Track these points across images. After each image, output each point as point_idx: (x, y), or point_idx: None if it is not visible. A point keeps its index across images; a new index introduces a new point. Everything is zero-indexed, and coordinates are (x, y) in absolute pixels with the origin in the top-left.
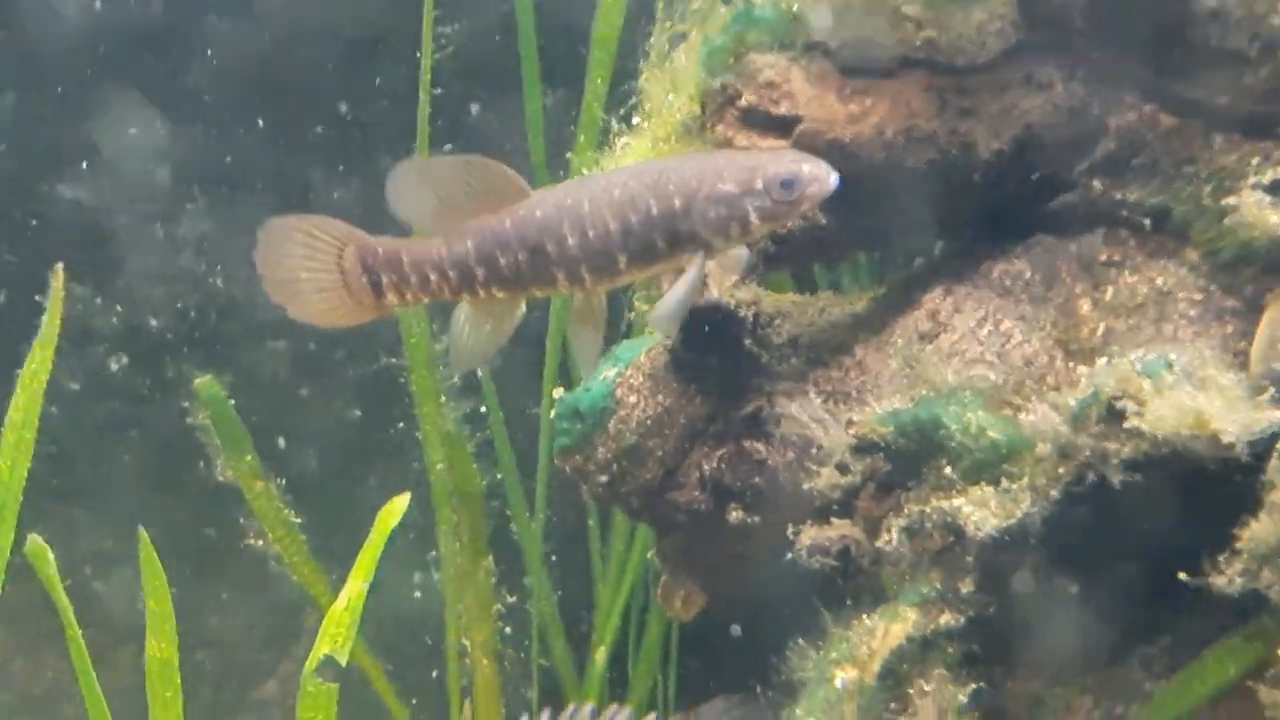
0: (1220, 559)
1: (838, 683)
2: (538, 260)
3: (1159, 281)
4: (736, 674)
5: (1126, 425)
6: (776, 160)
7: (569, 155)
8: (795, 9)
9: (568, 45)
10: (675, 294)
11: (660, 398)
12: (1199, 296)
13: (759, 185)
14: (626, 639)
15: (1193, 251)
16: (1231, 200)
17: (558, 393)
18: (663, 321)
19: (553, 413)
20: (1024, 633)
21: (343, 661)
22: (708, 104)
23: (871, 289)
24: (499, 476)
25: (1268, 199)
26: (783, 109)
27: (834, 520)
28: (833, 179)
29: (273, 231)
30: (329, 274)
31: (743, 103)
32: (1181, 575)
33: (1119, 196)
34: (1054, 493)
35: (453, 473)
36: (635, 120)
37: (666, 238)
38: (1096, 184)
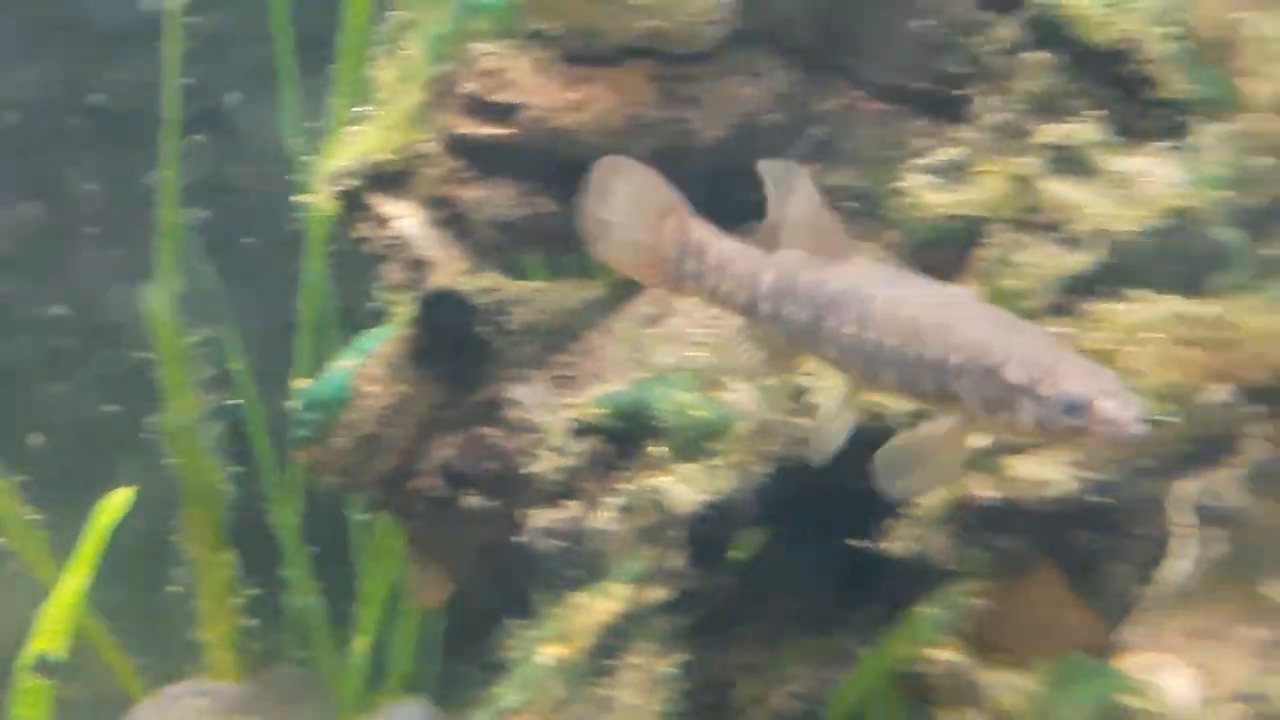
0: (894, 525)
1: (544, 660)
2: (814, 329)
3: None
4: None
5: (811, 401)
6: (1084, 375)
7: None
8: None
9: (324, 35)
10: (921, 473)
11: (398, 387)
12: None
13: (1044, 391)
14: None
15: (892, 232)
16: (902, 181)
17: (299, 384)
18: (881, 476)
19: (293, 404)
20: (739, 604)
21: (58, 658)
22: (432, 92)
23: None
24: (239, 470)
25: (930, 180)
26: (504, 97)
27: (566, 503)
28: (1134, 430)
29: (613, 167)
30: (647, 232)
31: (464, 91)
32: (851, 541)
33: (829, 181)
34: (760, 467)
35: (188, 467)
36: (364, 108)
37: (932, 386)
38: (810, 168)
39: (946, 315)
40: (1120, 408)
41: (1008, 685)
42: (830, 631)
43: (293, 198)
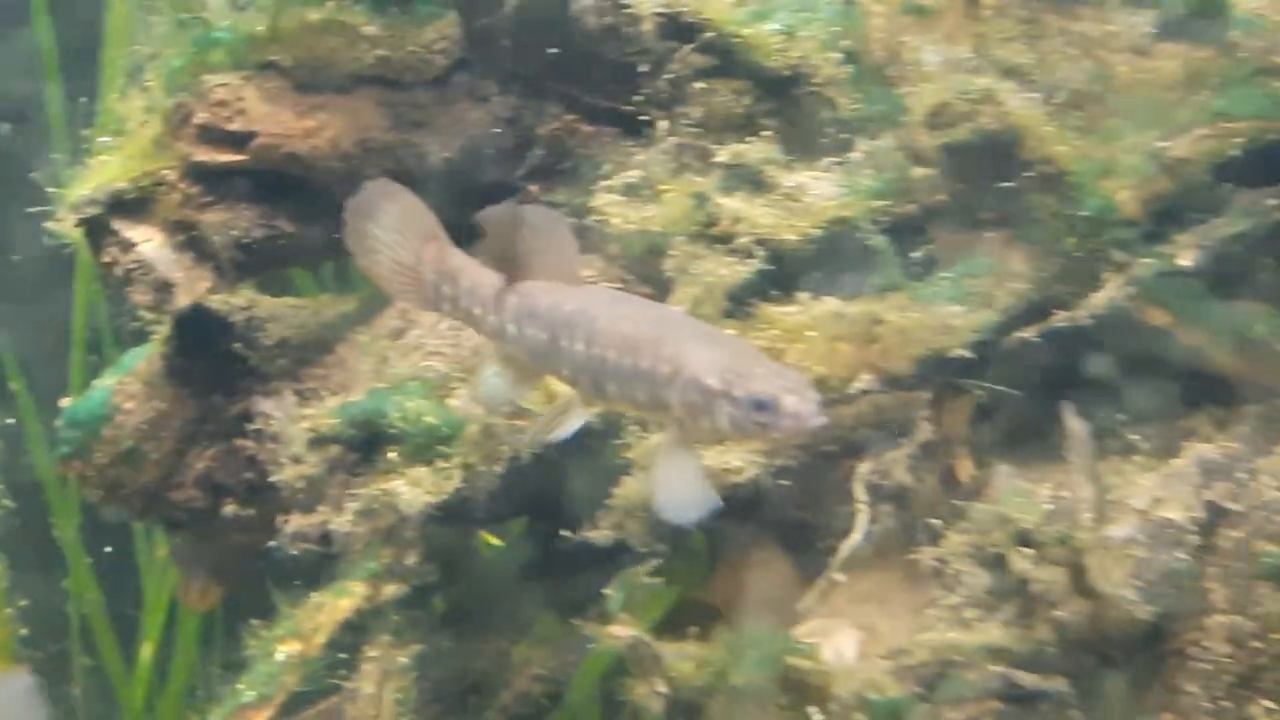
0: (599, 515)
1: (279, 656)
2: (552, 347)
3: (585, 274)
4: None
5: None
6: (771, 377)
7: None
8: (258, 29)
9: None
10: (683, 487)
11: (156, 402)
12: (619, 285)
13: (737, 393)
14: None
15: (614, 245)
16: (594, 201)
17: (65, 402)
18: (673, 516)
19: (58, 421)
20: (484, 597)
21: None
22: (168, 122)
23: (367, 290)
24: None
25: (621, 199)
26: (237, 125)
27: (319, 508)
28: (813, 422)
29: (379, 192)
30: (408, 255)
31: (198, 120)
32: (564, 533)
33: (550, 199)
34: (493, 467)
35: None
36: (105, 139)
37: (647, 395)
38: (533, 188)
39: (657, 330)
40: (801, 403)
41: (685, 655)
42: (569, 617)
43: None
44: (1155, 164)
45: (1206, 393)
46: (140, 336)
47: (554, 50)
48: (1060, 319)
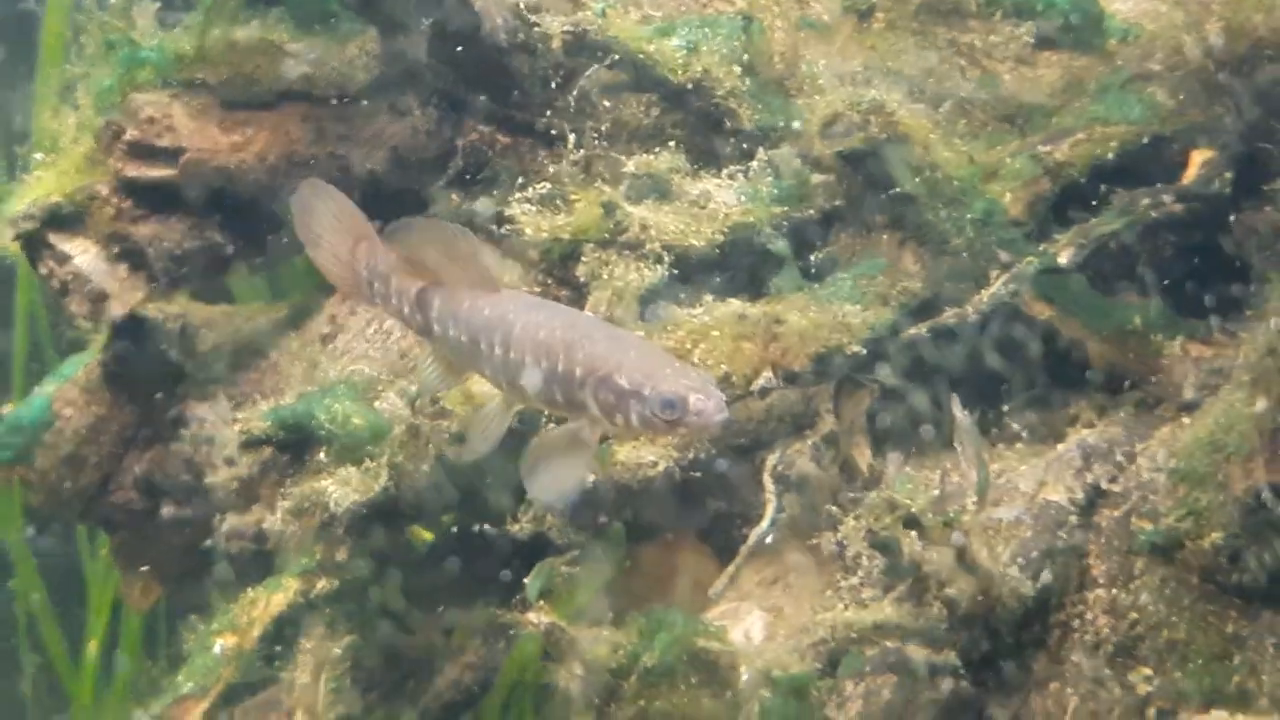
0: (519, 511)
1: (216, 649)
2: (474, 349)
3: (506, 279)
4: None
5: (445, 406)
6: (677, 377)
7: None
8: (185, 48)
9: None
10: (560, 474)
11: (95, 408)
12: (539, 289)
13: (646, 393)
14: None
15: (534, 251)
16: (508, 210)
17: (5, 409)
18: (541, 496)
19: None
20: (415, 590)
21: None
22: (100, 139)
23: (297, 298)
24: None
25: (534, 209)
26: (165, 141)
27: (253, 508)
28: (718, 418)
29: (313, 192)
30: (344, 251)
31: (128, 138)
32: (484, 527)
33: (470, 206)
34: (420, 466)
35: None
36: (40, 156)
37: (564, 395)
38: (454, 196)
39: (571, 335)
40: (705, 401)
41: (598, 639)
42: (498, 607)
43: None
44: (1038, 167)
45: (1088, 382)
46: (78, 346)
47: (469, 66)
48: (950, 315)
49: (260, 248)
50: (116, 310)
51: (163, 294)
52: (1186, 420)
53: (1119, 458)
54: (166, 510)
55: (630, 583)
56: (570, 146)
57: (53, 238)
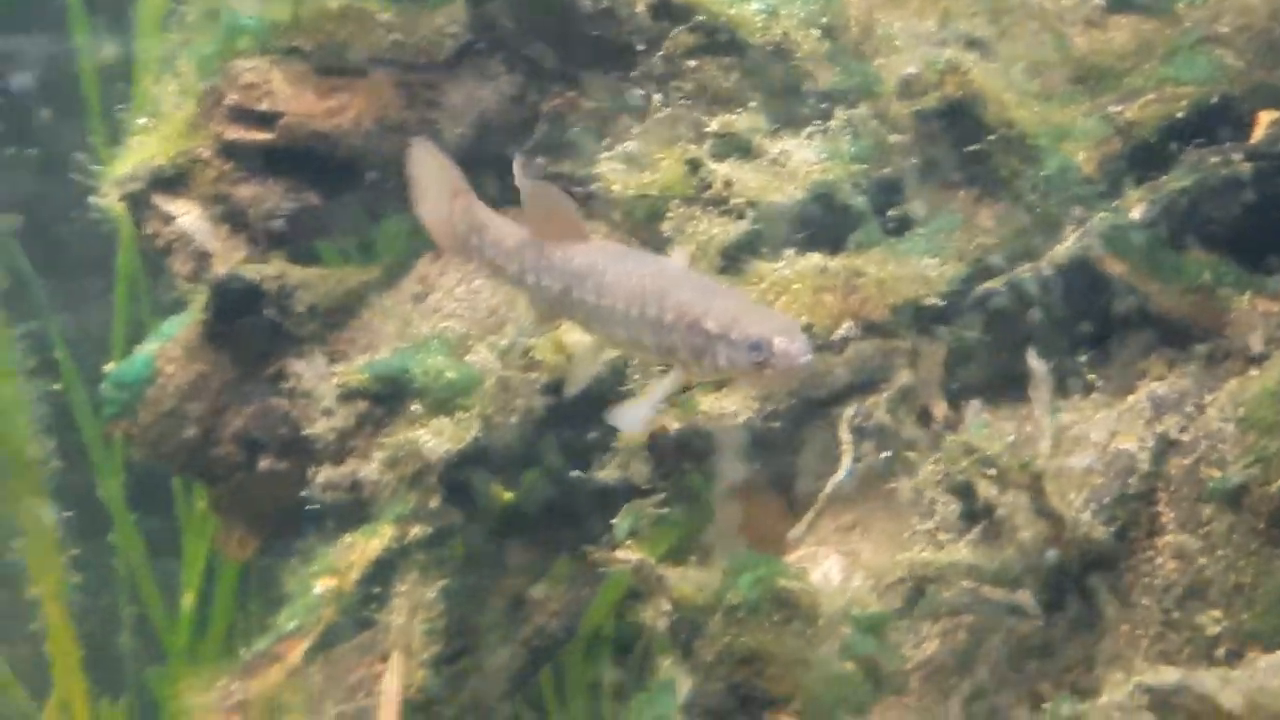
0: (605, 457)
1: (317, 590)
2: (566, 297)
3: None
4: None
5: (535, 357)
6: (763, 321)
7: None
8: (282, 17)
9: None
10: (639, 404)
11: (196, 365)
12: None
13: (734, 336)
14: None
15: (616, 211)
16: (597, 169)
17: (109, 367)
18: (619, 423)
19: (103, 385)
20: (502, 537)
21: None
22: (202, 105)
23: (389, 258)
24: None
25: (621, 167)
26: (265, 106)
27: (347, 459)
28: (802, 360)
29: (418, 150)
30: (443, 207)
31: (229, 102)
32: (574, 473)
33: (557, 170)
34: (510, 419)
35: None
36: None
37: (654, 340)
38: (540, 160)
39: (661, 282)
40: (790, 343)
41: (685, 578)
42: (582, 555)
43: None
44: (1109, 127)
45: (1159, 336)
46: (171, 308)
47: (554, 32)
48: (1025, 270)
49: (354, 211)
50: (219, 270)
51: (261, 255)
52: (1254, 373)
53: (1188, 409)
54: (264, 463)
55: (703, 533)
56: (656, 107)
57: (157, 199)
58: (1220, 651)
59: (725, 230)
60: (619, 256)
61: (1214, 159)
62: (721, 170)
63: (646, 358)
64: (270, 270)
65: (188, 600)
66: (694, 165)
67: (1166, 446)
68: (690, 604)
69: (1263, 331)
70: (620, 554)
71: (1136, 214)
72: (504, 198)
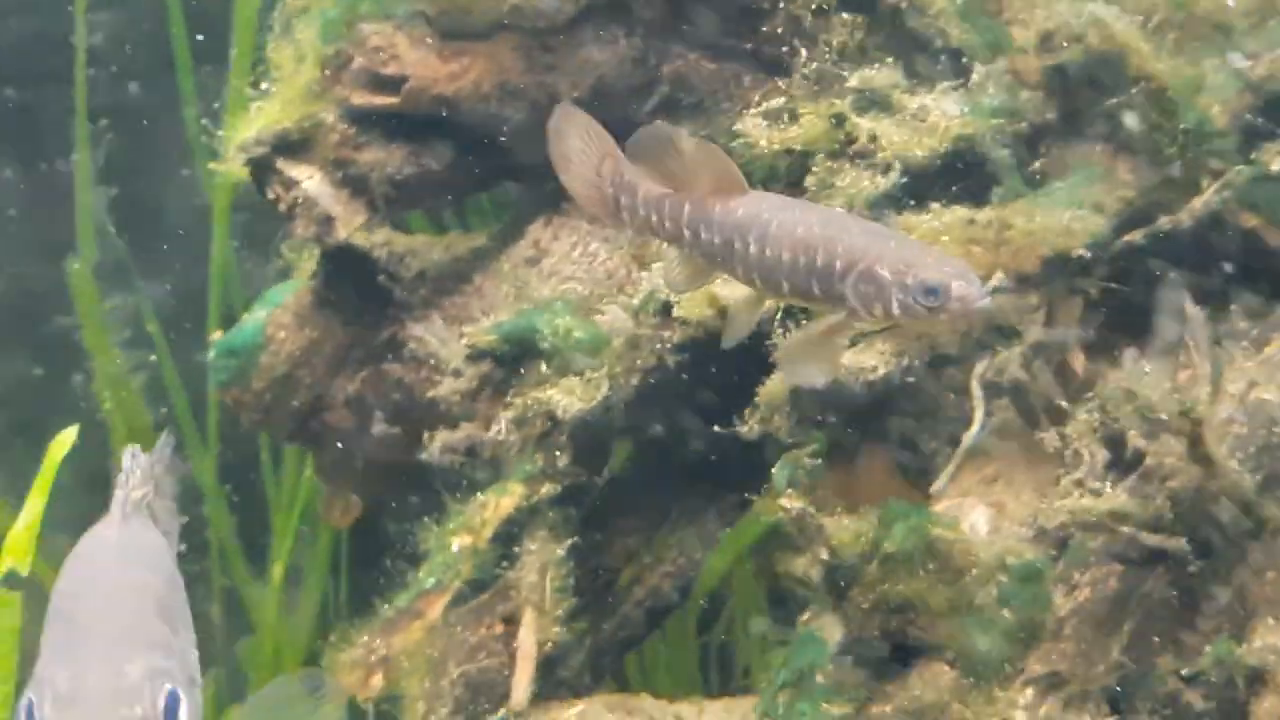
0: (746, 412)
1: (454, 547)
2: (726, 250)
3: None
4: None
5: (674, 315)
6: (938, 265)
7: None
8: None
9: (215, 27)
10: (813, 360)
11: (307, 331)
12: None
13: (909, 281)
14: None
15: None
16: (739, 125)
17: (215, 336)
18: (801, 379)
19: (210, 353)
20: (620, 496)
21: (24, 572)
22: (326, 69)
23: (491, 225)
24: (163, 411)
25: (764, 123)
26: (391, 70)
27: (462, 423)
28: (980, 303)
29: (564, 114)
30: (590, 171)
31: (355, 66)
32: (715, 427)
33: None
34: (633, 378)
35: (121, 411)
36: (265, 86)
37: (821, 289)
38: (660, 121)
39: (828, 230)
40: (968, 287)
41: (843, 527)
42: (696, 519)
43: (198, 171)
44: (1240, 81)
45: None
46: (272, 278)
47: None
48: (1165, 222)
49: (471, 175)
50: (341, 233)
51: (381, 219)
52: None
53: None
54: (378, 428)
55: (832, 498)
56: (802, 62)
57: (280, 163)
58: None
59: (874, 183)
60: (783, 207)
61: None
62: (865, 124)
63: (813, 306)
64: (378, 238)
65: (277, 572)
66: (839, 120)
67: None
68: (848, 552)
69: None
70: (785, 502)
71: (1276, 165)
72: None
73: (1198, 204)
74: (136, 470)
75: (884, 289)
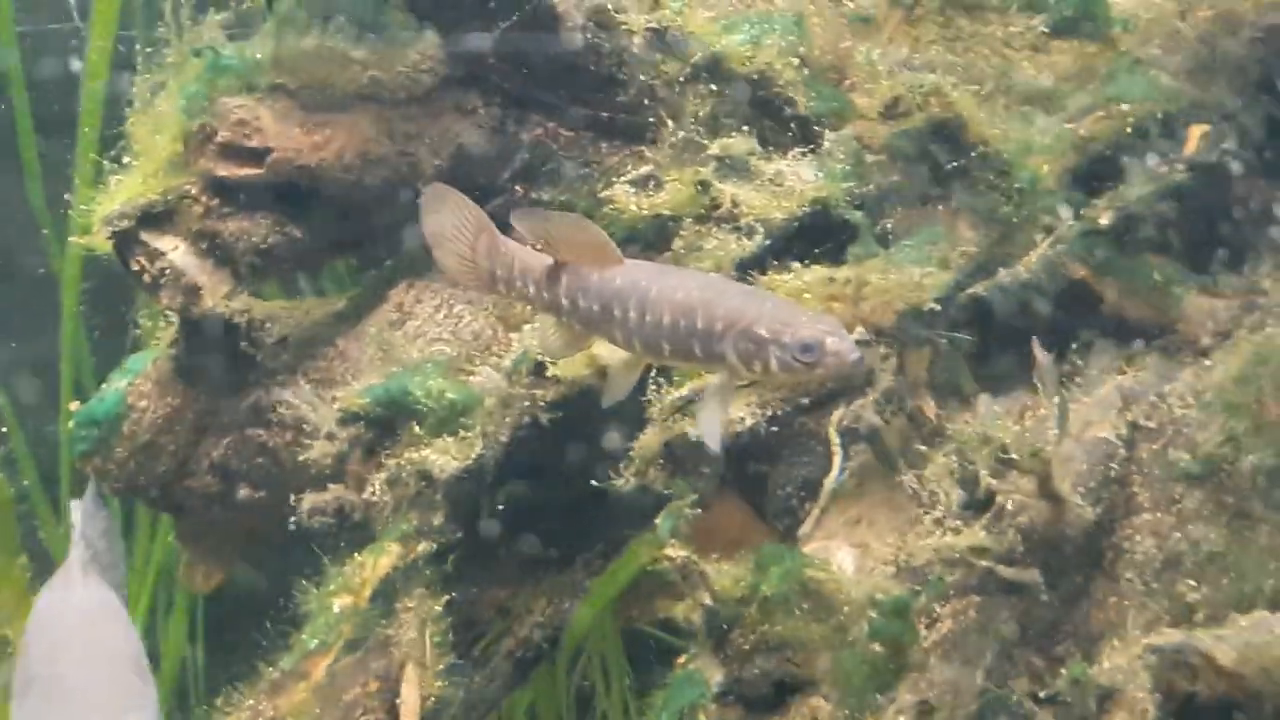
0: (621, 466)
1: (335, 608)
2: (605, 316)
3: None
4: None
5: (547, 374)
6: (812, 323)
7: (67, 197)
8: (259, 56)
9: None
10: (710, 418)
11: (169, 399)
12: None
13: (786, 339)
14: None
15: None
16: (608, 193)
17: (74, 406)
18: (706, 439)
19: (70, 423)
20: (488, 553)
21: None
22: (189, 142)
23: (349, 290)
24: (25, 483)
25: (632, 190)
26: (255, 142)
27: (329, 485)
28: (853, 358)
29: (435, 194)
30: (465, 247)
31: (220, 139)
32: (594, 482)
33: (535, 197)
34: (503, 436)
35: None
36: (125, 160)
37: (702, 349)
38: (518, 189)
39: (706, 294)
40: (841, 343)
41: (723, 572)
42: (564, 569)
43: (53, 243)
44: (1065, 142)
45: (1119, 333)
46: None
47: (535, 65)
48: (1004, 275)
49: (333, 243)
50: (208, 303)
51: (245, 287)
52: (1208, 363)
53: (1152, 398)
54: (243, 493)
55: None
56: (669, 132)
57: (145, 235)
58: (1199, 615)
59: (740, 245)
60: (660, 273)
61: (1163, 169)
62: (728, 189)
63: (694, 366)
64: (236, 305)
65: None
66: (703, 186)
67: (1135, 433)
68: (729, 596)
69: (1211, 325)
70: (669, 551)
71: (1105, 220)
72: None
73: (1033, 258)
74: (90, 528)
75: (763, 347)
